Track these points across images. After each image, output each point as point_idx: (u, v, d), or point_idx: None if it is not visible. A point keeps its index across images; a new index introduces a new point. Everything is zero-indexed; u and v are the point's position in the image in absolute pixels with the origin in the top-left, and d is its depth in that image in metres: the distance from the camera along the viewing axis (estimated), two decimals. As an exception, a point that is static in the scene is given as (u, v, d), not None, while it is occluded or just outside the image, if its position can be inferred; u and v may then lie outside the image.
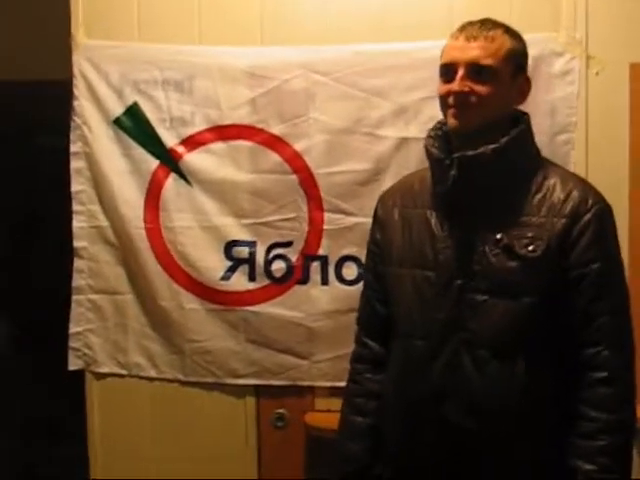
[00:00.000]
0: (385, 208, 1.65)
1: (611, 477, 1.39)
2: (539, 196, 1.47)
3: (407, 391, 1.52)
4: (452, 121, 1.48)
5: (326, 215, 2.10)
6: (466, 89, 1.43)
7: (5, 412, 3.11)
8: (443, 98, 1.49)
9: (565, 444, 1.42)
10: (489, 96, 1.43)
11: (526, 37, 1.99)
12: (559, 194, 1.46)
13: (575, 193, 1.45)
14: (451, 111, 1.47)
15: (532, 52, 1.99)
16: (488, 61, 1.43)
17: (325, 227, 2.11)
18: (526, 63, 1.54)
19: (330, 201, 2.09)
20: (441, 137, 1.54)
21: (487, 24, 1.48)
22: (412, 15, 2.08)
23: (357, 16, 2.10)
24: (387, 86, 2.06)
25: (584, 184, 1.52)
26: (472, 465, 1.47)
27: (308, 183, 2.10)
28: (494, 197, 1.47)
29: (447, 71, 1.48)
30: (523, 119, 1.52)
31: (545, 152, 2.01)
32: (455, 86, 1.44)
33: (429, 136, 1.56)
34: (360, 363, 1.69)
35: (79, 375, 2.25)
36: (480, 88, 1.43)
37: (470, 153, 1.43)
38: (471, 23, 1.49)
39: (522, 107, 1.99)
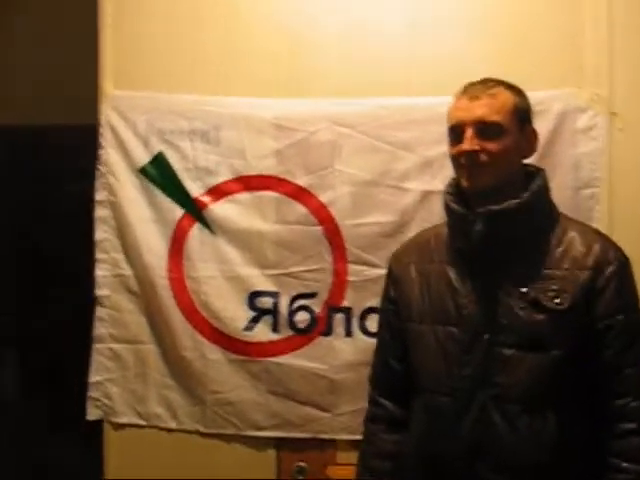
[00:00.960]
0: (400, 265, 1.65)
1: None
2: (560, 249, 1.49)
3: (434, 449, 1.50)
4: (467, 182, 1.50)
5: (350, 267, 2.10)
6: (476, 147, 1.46)
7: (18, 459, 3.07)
8: (455, 159, 1.52)
9: None
10: (500, 152, 1.46)
11: (550, 93, 2.07)
12: (580, 247, 1.48)
13: (597, 246, 1.48)
14: (465, 172, 1.50)
15: (556, 107, 2.06)
16: (494, 117, 1.46)
17: (349, 279, 2.10)
18: (530, 115, 1.56)
19: (354, 252, 2.09)
20: (457, 194, 1.55)
21: (488, 83, 1.52)
22: (437, 70, 2.11)
23: (383, 70, 2.13)
24: (413, 139, 2.08)
25: (603, 237, 1.55)
26: None
27: (333, 234, 2.11)
28: (517, 251, 1.49)
29: (455, 133, 1.51)
30: (539, 174, 1.55)
31: (569, 206, 2.04)
32: (466, 146, 1.46)
33: (447, 192, 1.58)
34: (375, 423, 1.67)
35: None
36: (490, 145, 1.46)
37: (495, 208, 1.45)
38: (472, 84, 1.53)
39: (547, 160, 2.05)
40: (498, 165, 1.46)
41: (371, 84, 2.12)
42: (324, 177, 2.11)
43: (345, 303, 2.11)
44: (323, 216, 2.11)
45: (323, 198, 2.11)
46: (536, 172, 1.56)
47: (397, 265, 1.67)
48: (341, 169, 2.11)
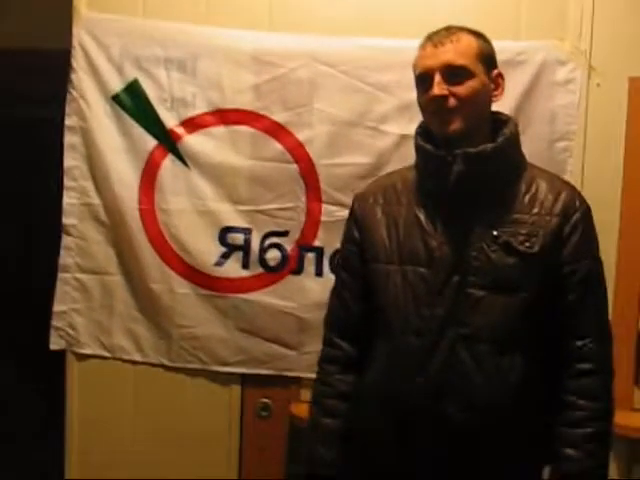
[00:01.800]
0: (365, 206, 1.64)
1: (597, 462, 1.45)
2: (529, 195, 1.52)
3: (399, 389, 1.51)
4: (439, 128, 1.50)
5: (324, 207, 2.10)
6: (445, 92, 1.46)
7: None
8: (425, 107, 1.53)
9: (552, 431, 1.47)
10: (468, 95, 1.47)
11: (532, 43, 2.08)
12: (548, 194, 1.51)
13: (564, 194, 1.52)
14: (436, 118, 1.50)
15: (537, 58, 2.07)
16: (460, 61, 1.47)
17: (322, 219, 2.10)
18: (495, 60, 1.57)
19: (329, 193, 2.09)
20: (427, 137, 1.55)
21: (451, 29, 1.52)
22: (418, 13, 2.09)
23: (366, 9, 2.10)
24: (392, 82, 2.07)
25: (569, 185, 1.59)
26: (470, 459, 1.49)
27: (308, 173, 2.10)
28: (488, 195, 1.51)
29: (423, 81, 1.51)
30: (510, 121, 1.56)
31: (543, 158, 2.07)
32: (435, 90, 1.46)
33: (417, 133, 1.58)
34: (330, 364, 1.67)
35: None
36: (458, 89, 1.46)
37: (472, 150, 1.47)
38: (435, 32, 1.53)
39: (524, 111, 2.06)
40: (468, 108, 1.47)
41: (355, 23, 2.09)
42: (302, 115, 2.09)
43: (317, 243, 2.11)
44: (299, 154, 2.09)
45: (300, 136, 2.09)
46: (505, 119, 1.57)
47: (361, 206, 1.65)
48: (320, 107, 2.08)
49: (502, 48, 2.00)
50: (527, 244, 1.46)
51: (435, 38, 1.50)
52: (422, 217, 1.53)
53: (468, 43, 1.49)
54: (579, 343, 1.47)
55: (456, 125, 1.47)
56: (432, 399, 1.47)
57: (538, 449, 1.50)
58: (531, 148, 2.05)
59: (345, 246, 1.68)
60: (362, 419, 1.59)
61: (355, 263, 1.63)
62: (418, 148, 1.56)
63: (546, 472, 1.52)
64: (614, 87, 2.08)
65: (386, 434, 1.53)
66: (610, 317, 1.55)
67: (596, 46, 2.08)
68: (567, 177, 2.08)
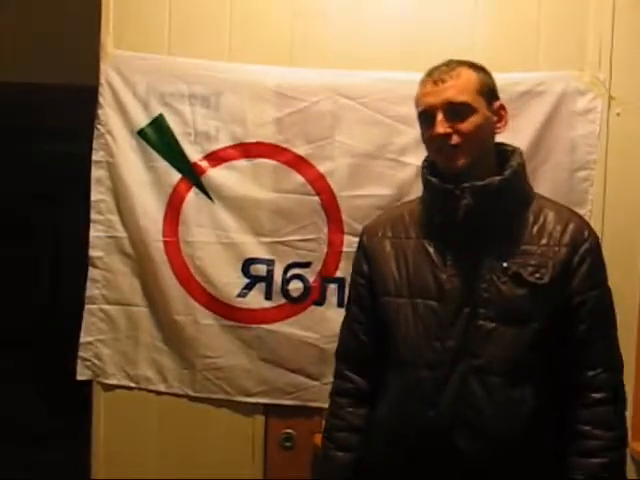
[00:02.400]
0: (373, 240, 1.65)
1: None
2: (537, 226, 1.52)
3: (413, 421, 1.51)
4: (445, 164, 1.52)
5: (346, 238, 2.12)
6: (448, 130, 1.47)
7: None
8: (429, 144, 1.55)
9: (564, 462, 1.47)
10: (471, 131, 1.48)
11: (551, 74, 2.09)
12: (556, 225, 1.52)
13: (572, 225, 1.52)
14: (441, 156, 1.52)
15: (556, 89, 2.08)
16: (461, 98, 1.48)
17: (344, 249, 2.12)
18: (496, 91, 1.58)
19: (350, 224, 2.11)
20: (433, 168, 1.57)
21: (451, 64, 1.53)
22: (438, 46, 2.12)
23: (386, 43, 2.14)
24: (412, 114, 2.04)
25: (578, 216, 1.59)
26: None
27: (330, 205, 2.12)
28: (496, 227, 1.52)
29: (426, 118, 1.52)
30: (516, 152, 1.57)
31: (564, 188, 2.09)
32: (438, 129, 1.48)
33: (424, 167, 1.59)
34: (342, 397, 1.68)
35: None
36: (461, 126, 1.47)
37: (480, 183, 1.48)
38: (436, 67, 1.54)
39: (544, 141, 2.08)
40: (471, 144, 1.48)
41: (374, 57, 2.13)
42: (323, 147, 2.12)
43: (338, 274, 2.13)
44: (321, 186, 2.12)
45: (321, 168, 2.12)
46: (511, 150, 1.58)
47: (370, 239, 1.67)
48: (341, 140, 2.11)
49: (521, 79, 2.08)
50: (537, 275, 1.47)
51: (435, 74, 1.52)
52: (431, 250, 1.55)
53: (468, 78, 1.50)
54: (591, 373, 1.48)
55: (461, 161, 1.48)
56: (444, 432, 1.48)
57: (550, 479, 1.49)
58: (552, 178, 2.10)
59: (354, 279, 1.69)
60: (373, 452, 1.59)
61: (365, 296, 1.64)
62: (425, 182, 1.57)
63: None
64: (634, 116, 2.10)
65: (396, 467, 1.54)
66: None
67: (616, 76, 2.09)
68: (588, 206, 2.09)
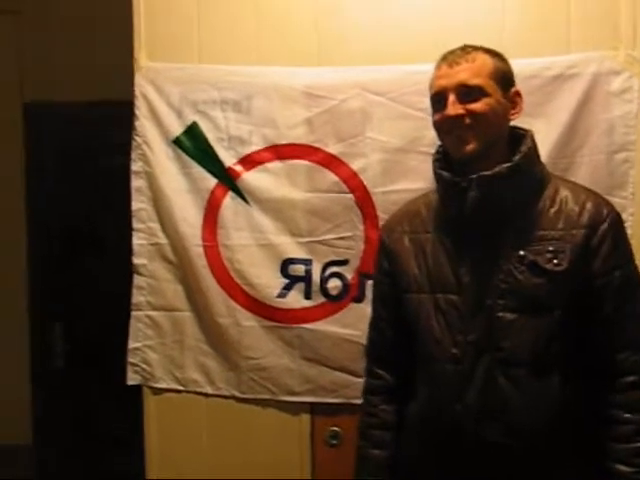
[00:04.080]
0: (393, 236, 1.66)
1: None
2: (554, 210, 1.49)
3: (441, 416, 1.51)
4: (455, 149, 1.50)
5: (382, 233, 2.12)
6: (460, 111, 1.46)
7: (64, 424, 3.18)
8: (440, 127, 1.53)
9: (600, 448, 1.44)
10: (483, 112, 1.46)
11: (583, 55, 2.05)
12: (573, 206, 1.49)
13: (589, 204, 1.48)
14: (451, 139, 1.51)
15: (589, 70, 2.03)
16: (475, 80, 1.47)
17: (381, 246, 2.12)
18: (512, 78, 1.56)
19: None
20: (445, 161, 1.56)
21: (466, 49, 1.53)
22: (466, 34, 2.06)
23: (413, 36, 2.12)
24: None
25: (595, 195, 1.55)
26: None
27: (364, 202, 2.12)
28: (511, 215, 1.49)
29: (438, 100, 1.52)
30: (527, 136, 1.54)
31: (603, 171, 2.04)
32: (450, 111, 1.47)
33: (436, 160, 1.58)
34: (374, 395, 1.68)
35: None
36: (473, 106, 1.46)
37: (487, 173, 1.46)
38: (451, 51, 1.54)
39: (580, 124, 2.03)
40: (483, 127, 1.47)
41: (401, 51, 2.11)
42: (355, 145, 2.12)
43: (377, 270, 2.13)
44: (354, 184, 2.12)
45: (354, 166, 2.12)
46: (524, 134, 1.55)
47: (389, 237, 1.68)
48: (372, 136, 2.11)
49: (552, 63, 2.05)
50: (555, 261, 1.44)
51: (450, 58, 1.53)
52: (448, 243, 1.54)
53: (483, 62, 1.50)
54: (621, 356, 1.44)
55: (472, 145, 1.47)
56: (472, 425, 1.46)
57: (586, 467, 1.46)
58: (590, 162, 2.05)
59: (377, 277, 1.71)
60: (406, 447, 1.59)
61: (388, 294, 1.65)
62: (436, 175, 1.56)
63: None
64: (674, 93, 2.02)
65: (428, 462, 1.53)
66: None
67: (652, 53, 2.03)
68: (629, 189, 2.03)
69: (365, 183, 2.12)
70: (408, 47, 2.12)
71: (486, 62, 1.50)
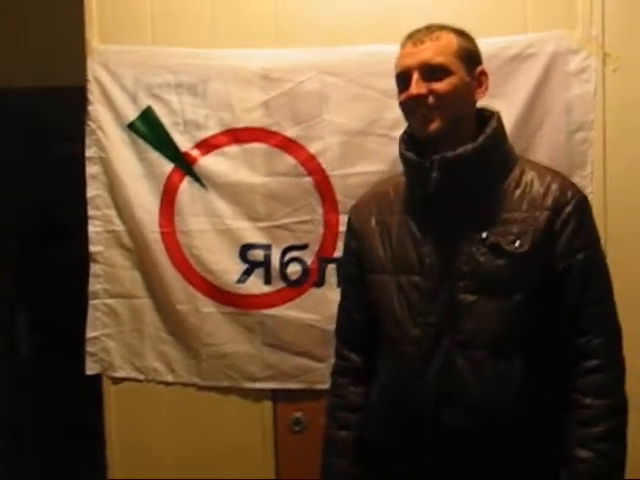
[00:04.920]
0: (360, 217, 1.65)
1: (609, 462, 1.40)
2: (519, 191, 1.48)
3: (401, 397, 1.50)
4: (419, 128, 1.49)
5: (341, 217, 2.08)
6: (423, 90, 1.44)
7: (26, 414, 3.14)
8: (404, 106, 1.51)
9: (562, 433, 1.43)
10: (447, 91, 1.44)
11: (540, 35, 2.03)
12: (538, 188, 1.47)
13: (554, 186, 1.47)
14: (415, 118, 1.49)
15: (547, 50, 2.02)
16: (439, 59, 1.45)
17: (340, 229, 2.08)
18: (479, 57, 1.54)
19: (345, 203, 2.07)
20: (412, 142, 1.54)
21: (431, 27, 1.50)
22: (425, 14, 2.04)
23: (370, 17, 2.09)
24: None
25: (561, 177, 1.53)
26: (472, 467, 1.46)
27: (323, 185, 2.10)
28: (475, 196, 1.48)
29: (403, 80, 1.50)
30: (494, 117, 1.52)
31: (562, 151, 2.03)
32: (412, 90, 1.45)
33: (401, 140, 1.57)
34: (342, 376, 1.68)
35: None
36: (437, 85, 1.44)
37: (450, 154, 1.44)
38: (417, 30, 1.52)
39: (538, 104, 2.01)
40: (447, 106, 1.45)
41: (358, 32, 2.08)
42: (313, 127, 2.09)
43: (336, 254, 2.09)
44: (312, 167, 2.10)
45: (312, 149, 2.09)
46: (491, 115, 1.53)
47: (357, 217, 1.66)
48: (330, 119, 2.08)
49: (510, 43, 2.03)
50: (517, 243, 1.43)
51: (415, 36, 1.50)
52: (413, 225, 1.52)
53: (448, 41, 1.47)
54: (582, 340, 1.42)
55: (436, 124, 1.45)
56: (432, 407, 1.45)
57: (548, 451, 1.45)
58: (550, 141, 2.04)
59: (344, 258, 1.70)
60: (371, 429, 1.58)
61: (355, 274, 1.63)
62: (401, 156, 1.54)
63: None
64: (632, 71, 2.01)
65: (393, 442, 1.52)
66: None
67: (609, 31, 2.01)
68: (589, 168, 2.03)
69: (324, 166, 2.09)
70: (365, 28, 2.09)
71: (451, 41, 1.47)
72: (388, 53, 2.00)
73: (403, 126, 2.02)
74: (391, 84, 2.00)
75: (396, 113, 2.02)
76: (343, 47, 2.08)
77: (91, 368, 2.23)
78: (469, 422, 1.43)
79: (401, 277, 1.51)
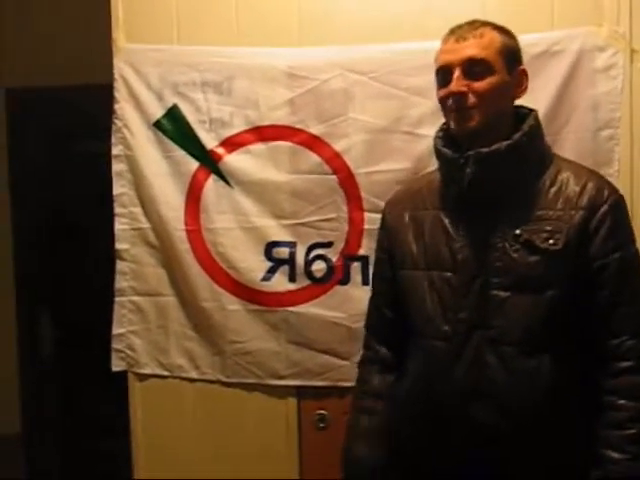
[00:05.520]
0: (394, 213, 1.66)
1: None
2: (554, 189, 1.47)
3: (431, 393, 1.50)
4: (456, 125, 1.49)
5: (366, 215, 2.09)
6: (464, 89, 1.44)
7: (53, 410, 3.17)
8: (443, 101, 1.51)
9: (593, 434, 1.42)
10: (487, 91, 1.44)
11: (567, 32, 2.02)
12: (574, 187, 1.47)
13: (590, 185, 1.46)
14: (454, 115, 1.49)
15: (574, 47, 2.01)
16: (481, 55, 1.45)
17: (365, 227, 2.09)
18: (520, 56, 1.54)
19: (370, 201, 2.08)
20: (448, 137, 1.54)
21: (475, 24, 1.50)
22: (448, 12, 2.06)
23: (395, 15, 2.09)
24: (426, 85, 2.02)
25: (597, 176, 1.53)
26: (501, 464, 1.45)
27: (348, 183, 2.10)
28: (509, 193, 1.48)
29: (443, 75, 1.49)
30: (531, 115, 1.52)
31: (589, 148, 2.02)
32: (453, 87, 1.45)
33: (437, 137, 1.57)
34: (369, 365, 1.69)
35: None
36: (477, 85, 1.44)
37: (485, 150, 1.44)
38: (459, 26, 1.52)
39: (565, 101, 2.00)
40: (486, 105, 1.45)
41: (383, 30, 2.08)
42: (338, 125, 2.09)
43: (361, 252, 2.10)
44: (337, 165, 2.10)
45: (337, 147, 2.10)
46: (528, 113, 1.53)
47: (390, 214, 1.67)
48: (355, 117, 2.08)
49: (536, 40, 2.01)
50: (550, 241, 1.42)
51: (458, 32, 1.49)
52: (446, 221, 1.52)
53: (491, 38, 1.47)
54: (616, 341, 1.41)
55: (474, 122, 1.45)
56: (461, 403, 1.45)
57: (580, 452, 1.44)
58: (576, 139, 2.03)
59: (377, 254, 1.71)
60: (401, 422, 1.58)
61: (386, 270, 1.64)
62: (436, 152, 1.54)
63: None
64: (659, 69, 2.00)
65: (421, 439, 1.52)
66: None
67: (636, 28, 1.99)
68: (615, 166, 2.01)
69: (348, 164, 2.09)
70: (390, 26, 2.09)
71: (494, 38, 1.47)
72: (412, 51, 2.07)
73: (427, 124, 2.06)
74: (415, 82, 2.06)
75: (420, 111, 2.07)
76: (367, 45, 2.08)
77: (117, 365, 2.25)
78: (498, 418, 1.43)
79: (433, 273, 1.51)
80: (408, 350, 1.59)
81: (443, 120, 1.98)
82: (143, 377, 2.26)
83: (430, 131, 2.00)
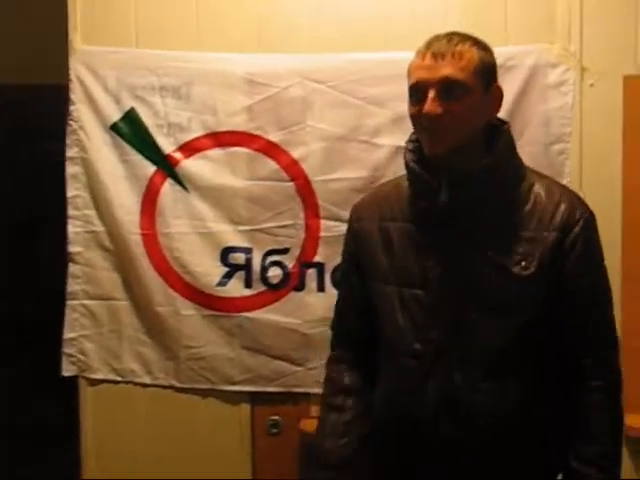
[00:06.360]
0: (361, 220, 1.60)
1: (609, 477, 1.40)
2: (527, 207, 1.43)
3: (401, 409, 1.49)
4: (429, 147, 1.41)
5: (322, 222, 2.11)
6: (439, 111, 1.36)
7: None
8: (415, 119, 1.43)
9: (563, 448, 1.43)
10: (463, 113, 1.37)
11: (521, 48, 2.08)
12: (546, 205, 1.43)
13: (563, 205, 1.42)
14: (425, 134, 1.41)
15: (527, 62, 2.06)
16: (458, 77, 1.36)
17: (321, 234, 2.12)
18: (496, 72, 1.47)
19: (327, 208, 2.10)
20: (418, 151, 1.47)
21: (453, 39, 1.40)
22: (408, 24, 2.10)
23: (354, 25, 2.12)
24: (384, 95, 2.08)
25: (569, 193, 1.49)
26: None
27: (305, 190, 2.12)
28: (483, 214, 1.43)
29: (417, 91, 1.40)
30: (504, 130, 1.47)
31: (540, 161, 2.06)
32: (427, 108, 1.36)
33: (408, 149, 1.50)
34: (337, 363, 1.65)
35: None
36: (453, 106, 1.36)
37: (458, 174, 1.39)
38: (437, 38, 1.42)
39: (517, 116, 2.05)
40: (461, 127, 1.38)
41: (342, 39, 2.11)
42: (296, 133, 2.11)
43: (317, 258, 2.12)
44: (295, 172, 2.11)
45: (295, 154, 2.11)
46: (500, 125, 1.48)
47: (358, 220, 1.61)
48: (313, 125, 2.10)
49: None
50: (523, 264, 1.39)
51: (435, 46, 1.39)
52: (417, 236, 1.47)
53: (469, 58, 1.38)
54: (588, 360, 1.42)
55: (446, 144, 1.38)
56: (430, 422, 1.44)
57: (548, 467, 1.47)
58: (528, 152, 2.04)
59: (344, 258, 1.65)
60: (373, 437, 1.56)
61: (353, 278, 1.59)
62: (407, 167, 1.49)
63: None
64: (608, 87, 2.07)
65: (392, 452, 1.52)
66: (618, 326, 1.49)
67: (587, 46, 2.07)
68: (565, 180, 2.07)
69: (306, 171, 2.11)
70: (350, 36, 2.11)
71: (472, 58, 1.38)
72: (370, 61, 2.10)
73: (385, 133, 2.09)
74: (374, 92, 2.09)
75: (377, 120, 2.10)
76: (327, 54, 2.11)
77: (68, 370, 2.22)
78: (464, 436, 1.42)
79: (404, 290, 1.48)
80: (380, 362, 1.57)
81: (400, 130, 2.04)
82: (94, 382, 2.23)
83: (387, 141, 2.09)
